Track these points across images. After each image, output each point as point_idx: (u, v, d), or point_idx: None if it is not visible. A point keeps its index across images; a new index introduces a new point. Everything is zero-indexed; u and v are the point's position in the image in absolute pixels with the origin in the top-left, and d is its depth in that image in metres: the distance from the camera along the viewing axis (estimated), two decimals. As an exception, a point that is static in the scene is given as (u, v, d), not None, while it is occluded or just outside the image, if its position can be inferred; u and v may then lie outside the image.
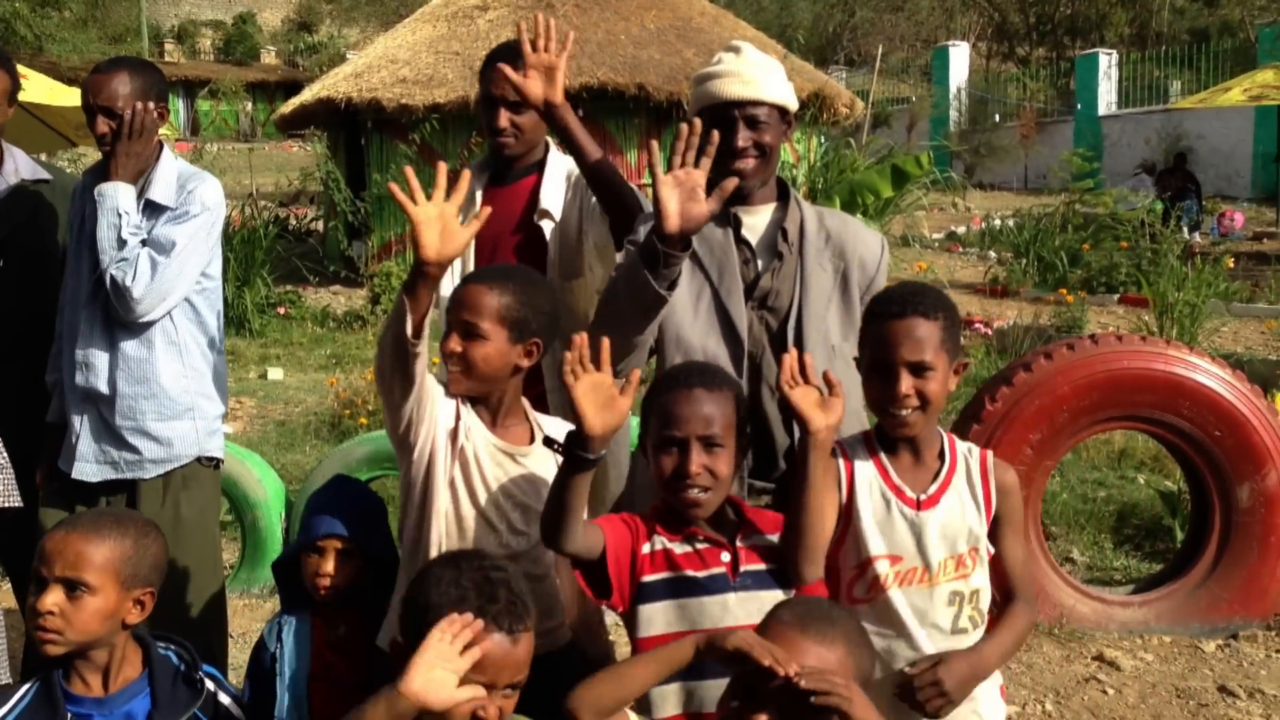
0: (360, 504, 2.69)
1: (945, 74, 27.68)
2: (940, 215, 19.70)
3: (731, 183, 2.52)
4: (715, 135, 2.55)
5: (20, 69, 7.61)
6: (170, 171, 3.34)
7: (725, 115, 2.76)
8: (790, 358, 2.31)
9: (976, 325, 10.16)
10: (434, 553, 2.45)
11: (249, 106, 37.47)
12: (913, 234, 16.20)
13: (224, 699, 2.31)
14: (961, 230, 17.90)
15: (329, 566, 2.57)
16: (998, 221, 16.93)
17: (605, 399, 2.14)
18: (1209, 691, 4.24)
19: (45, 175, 3.58)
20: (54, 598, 2.11)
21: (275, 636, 2.62)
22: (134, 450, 3.30)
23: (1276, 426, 4.66)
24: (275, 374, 9.77)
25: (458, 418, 2.48)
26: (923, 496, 2.35)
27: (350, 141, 13.88)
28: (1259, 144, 22.18)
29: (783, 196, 2.89)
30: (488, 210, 2.40)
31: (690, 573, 2.25)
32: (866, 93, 20.32)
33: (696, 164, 2.48)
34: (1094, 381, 4.63)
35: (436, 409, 2.45)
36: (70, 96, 7.65)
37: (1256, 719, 4.03)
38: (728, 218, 2.82)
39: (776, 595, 2.23)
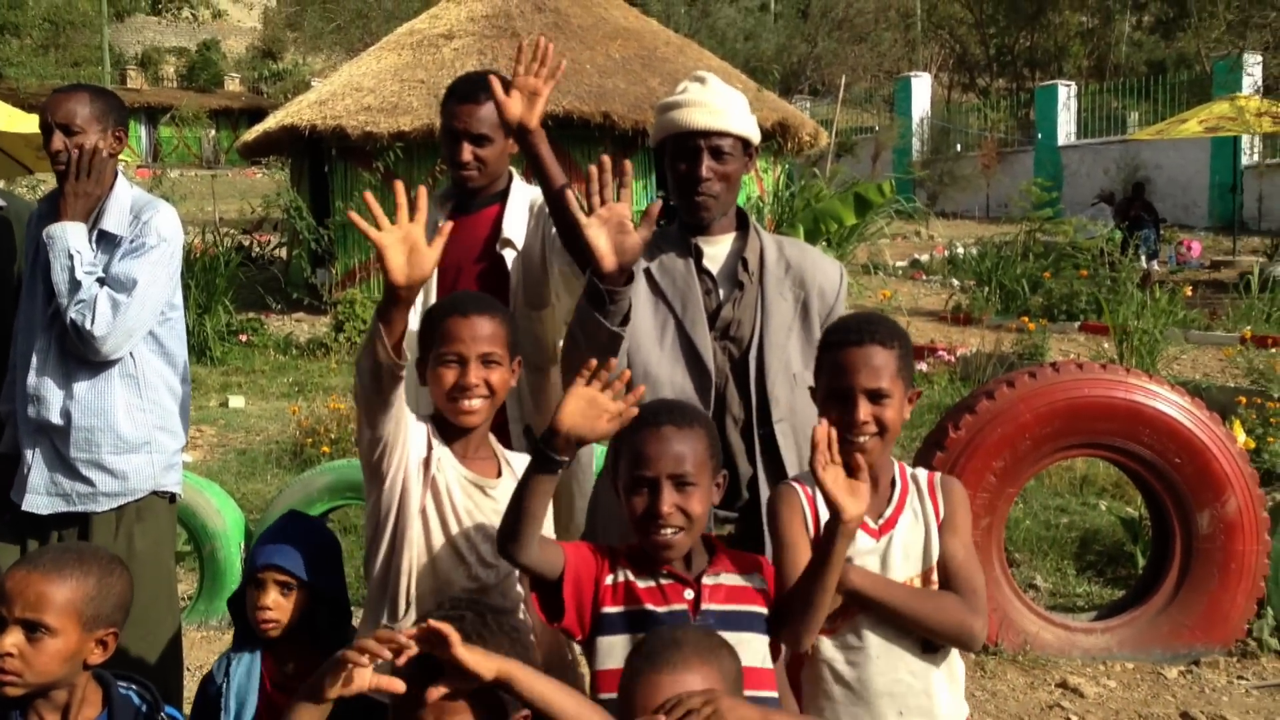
0: (310, 539, 2.64)
1: (908, 104, 28.01)
2: (904, 243, 19.87)
3: (655, 207, 2.52)
4: (627, 165, 2.57)
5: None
6: (124, 200, 3.29)
7: (689, 145, 2.77)
8: (823, 431, 2.19)
9: (940, 353, 10.22)
10: (404, 582, 2.43)
11: (212, 133, 37.28)
12: (877, 262, 16.33)
13: None
14: (925, 258, 18.05)
15: (269, 599, 2.52)
16: (960, 250, 17.09)
17: (588, 404, 2.13)
18: (1172, 718, 4.25)
19: (0, 202, 3.53)
20: (13, 639, 2.05)
21: (223, 671, 2.57)
22: (88, 483, 3.24)
23: (1235, 454, 4.71)
24: (237, 402, 9.67)
25: (429, 448, 2.47)
26: (880, 522, 2.38)
27: (314, 168, 13.82)
28: (1215, 174, 22.57)
29: (742, 226, 2.90)
30: (449, 226, 2.39)
31: (650, 607, 2.22)
32: (830, 122, 20.50)
33: (618, 197, 2.49)
34: (1056, 409, 4.66)
35: (410, 437, 2.43)
36: (28, 123, 7.56)
37: (1219, 746, 4.05)
38: (689, 248, 2.83)
39: (739, 637, 2.18)
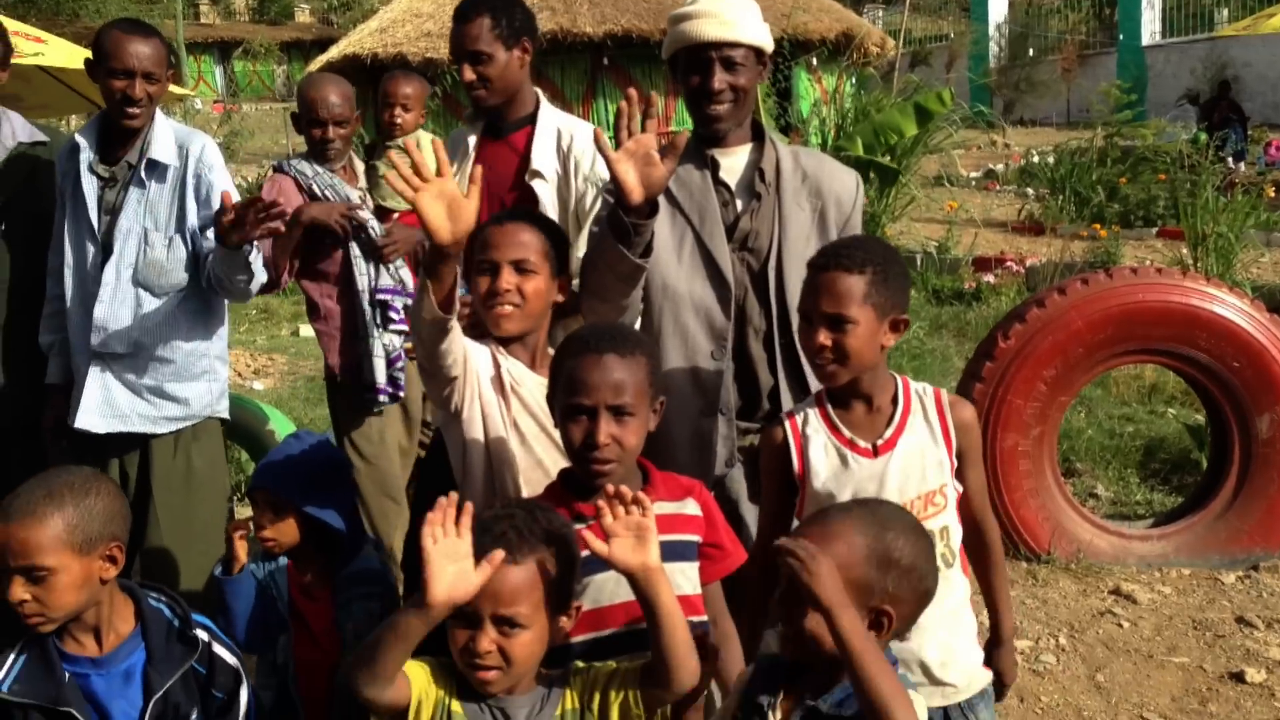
0: (307, 459, 2.72)
1: (984, 9, 27.10)
2: (979, 153, 19.40)
3: (682, 138, 2.50)
4: (654, 97, 2.54)
5: (40, 34, 7.69)
6: (166, 131, 3.42)
7: (701, 56, 2.74)
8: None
9: (1008, 263, 10.03)
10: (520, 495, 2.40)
11: (284, 67, 37.53)
12: (949, 172, 15.97)
13: (219, 649, 2.33)
14: (1000, 168, 17.63)
15: (264, 520, 2.62)
16: (1036, 158, 16.65)
17: None
18: (1226, 623, 4.21)
19: (42, 137, 3.64)
20: (20, 589, 2.10)
21: (262, 570, 2.70)
22: (152, 406, 3.41)
23: (1297, 356, 4.58)
24: (307, 331, 9.86)
25: (496, 365, 2.48)
26: (879, 442, 2.35)
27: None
28: (1308, 70, 21.61)
29: (758, 137, 2.86)
30: (479, 171, 2.34)
31: (582, 553, 2.10)
32: (905, 31, 19.97)
33: (643, 129, 2.45)
34: (1109, 315, 4.57)
35: (475, 363, 2.44)
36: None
37: (1274, 648, 4.00)
38: (705, 160, 2.81)
39: (672, 566, 2.09)
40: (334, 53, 14.05)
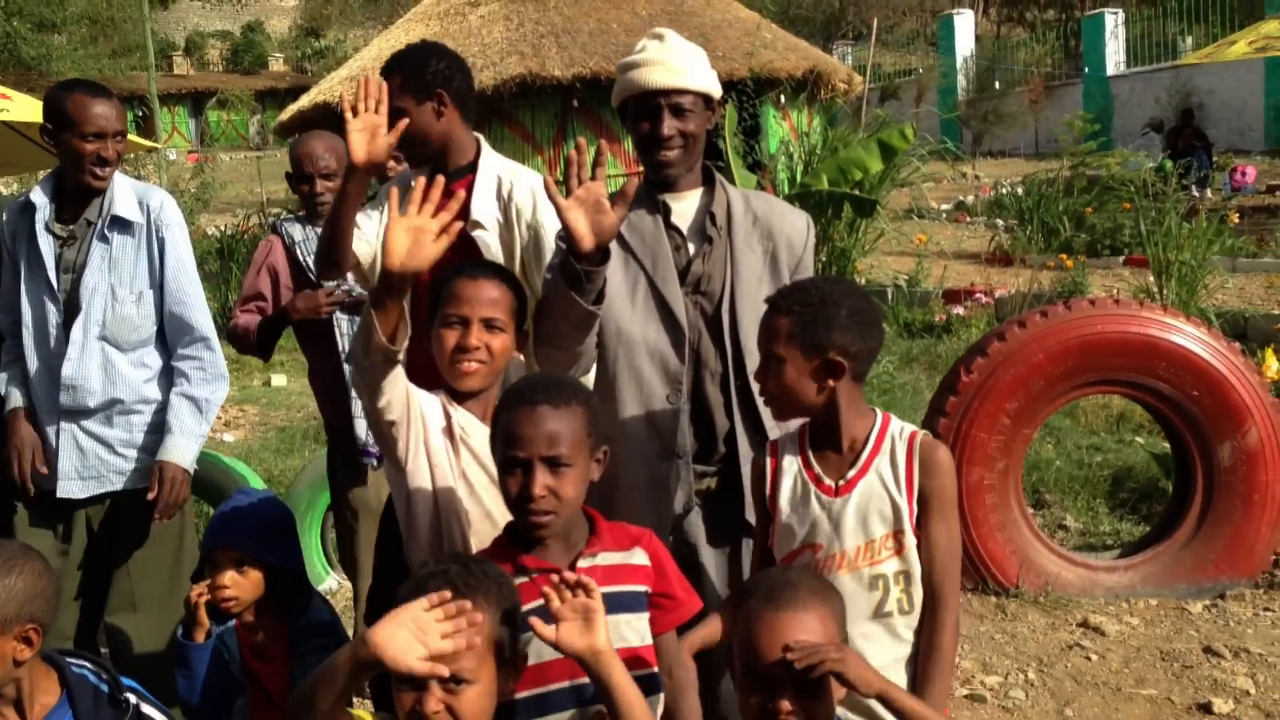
0: (260, 514, 2.72)
1: (951, 43, 27.47)
2: (949, 185, 19.58)
3: (631, 185, 2.53)
4: (604, 145, 2.58)
5: (5, 90, 7.68)
6: (126, 188, 3.47)
7: (650, 104, 2.77)
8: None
9: (977, 295, 10.11)
10: (472, 550, 2.39)
11: (259, 115, 37.64)
12: (921, 205, 16.09)
13: (147, 710, 2.29)
14: (970, 200, 17.78)
15: (225, 578, 2.61)
16: (1006, 189, 16.81)
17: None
18: (1194, 653, 4.22)
19: None
20: None
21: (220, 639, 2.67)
22: (125, 460, 3.42)
23: (1255, 383, 4.64)
24: (279, 381, 9.84)
25: (447, 415, 2.48)
26: (841, 482, 2.36)
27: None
28: (1270, 95, 21.88)
29: (708, 181, 2.90)
30: (457, 226, 2.36)
31: (525, 606, 2.12)
32: (873, 66, 20.19)
33: (593, 177, 2.48)
34: (1068, 347, 4.61)
35: (424, 412, 2.44)
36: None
37: (1240, 678, 4.01)
38: (657, 205, 2.84)
39: (616, 619, 2.11)
40: (304, 101, 14.13)
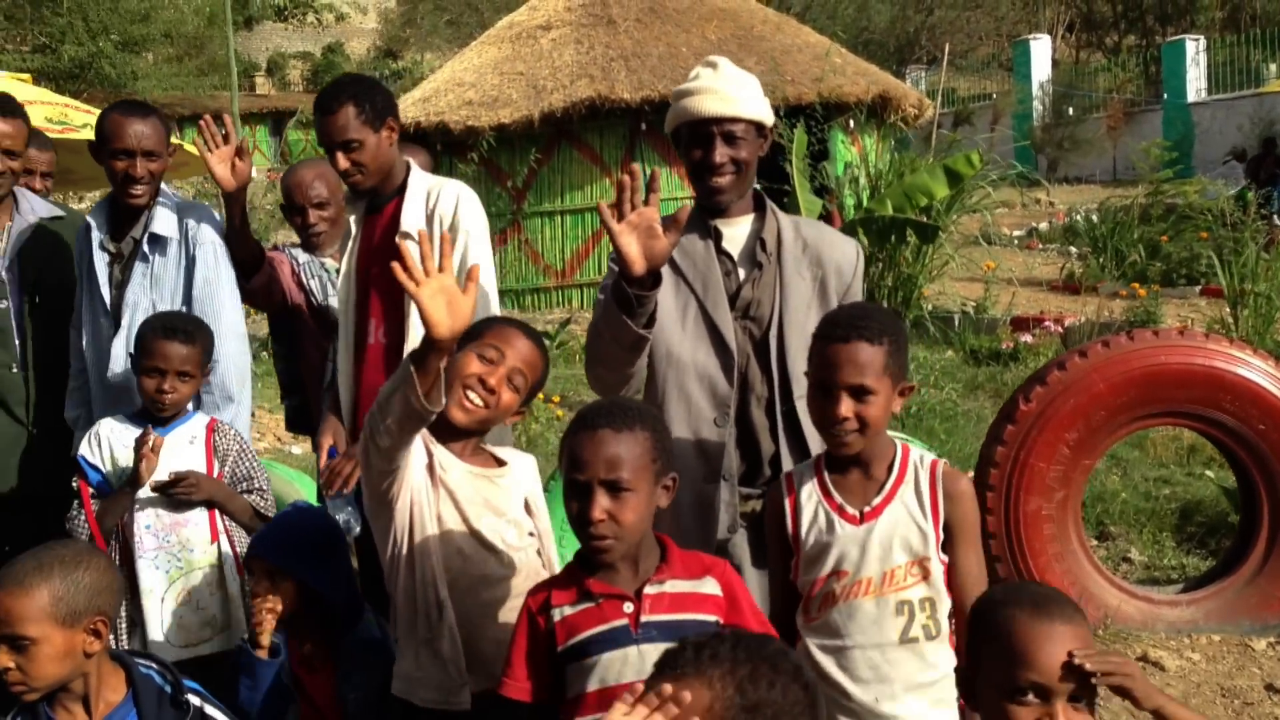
0: (304, 530, 2.77)
1: (1027, 68, 27.19)
2: (1023, 212, 19.37)
3: (684, 211, 2.57)
4: (657, 173, 2.62)
5: (91, 108, 7.94)
6: (169, 206, 3.57)
7: (703, 131, 2.82)
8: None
9: (1046, 323, 9.98)
10: (436, 588, 2.47)
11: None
12: (993, 232, 15.94)
13: (211, 711, 2.36)
14: (1043, 226, 17.58)
15: (260, 588, 2.67)
16: (1081, 216, 16.60)
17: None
18: (1255, 690, 4.14)
19: (59, 213, 3.82)
20: (4, 657, 2.15)
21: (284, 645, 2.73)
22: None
23: (1324, 418, 4.53)
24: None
25: (429, 452, 2.54)
26: (866, 509, 2.38)
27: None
28: (1355, 124, 21.38)
29: (759, 208, 2.93)
30: (476, 269, 2.38)
31: (588, 632, 2.17)
32: (945, 91, 20.05)
33: (646, 202, 2.52)
34: (1131, 378, 4.55)
35: (413, 453, 2.48)
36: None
37: (1303, 718, 3.93)
38: (708, 230, 2.87)
39: None
40: (379, 122, 14.37)
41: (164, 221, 3.52)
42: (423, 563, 2.49)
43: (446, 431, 2.56)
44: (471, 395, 2.54)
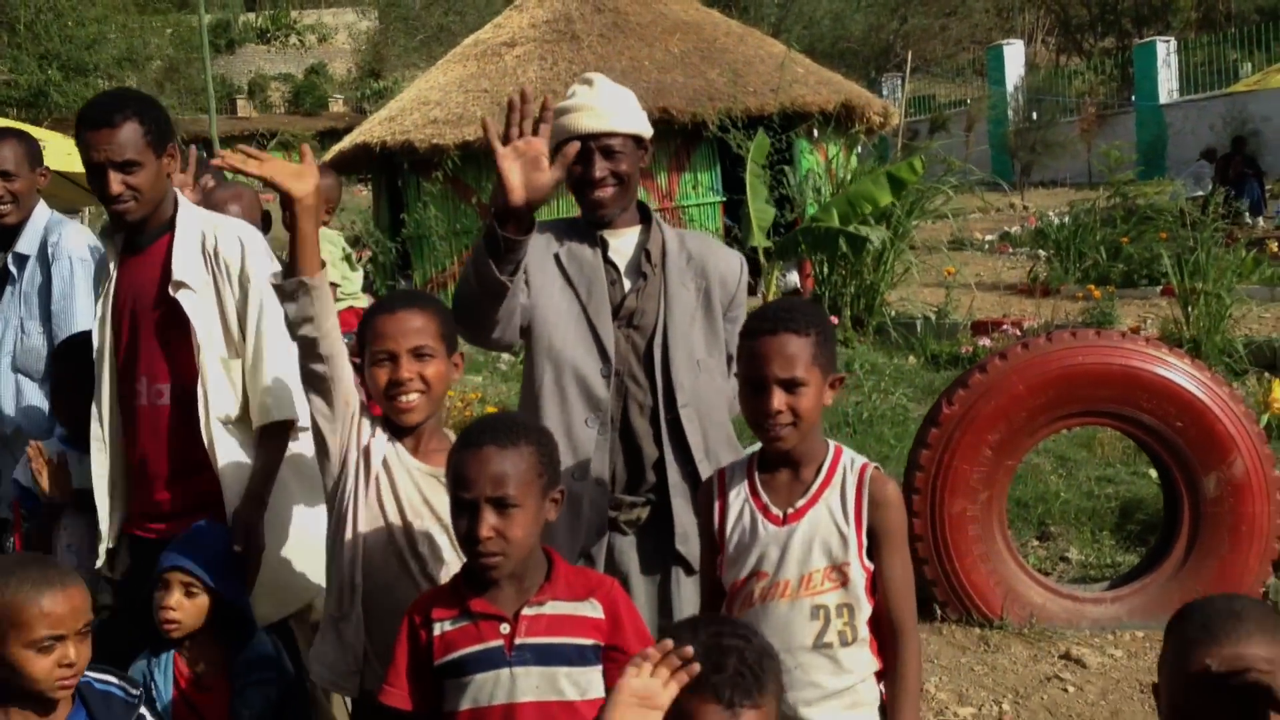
0: (218, 545, 2.80)
1: (1001, 73, 27.35)
2: (997, 215, 19.47)
3: (573, 147, 2.61)
4: (548, 99, 2.60)
5: (44, 134, 8.01)
6: (38, 224, 3.63)
7: (582, 148, 2.87)
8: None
9: (1005, 326, 10.05)
10: (348, 573, 2.49)
11: (321, 155, 38.40)
12: (964, 237, 16.03)
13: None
14: (1016, 230, 17.67)
15: (172, 600, 2.68)
16: (1053, 219, 16.68)
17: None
18: (1173, 686, 4.18)
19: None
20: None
21: (147, 671, 2.75)
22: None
23: (1240, 414, 4.60)
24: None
25: (372, 435, 2.56)
26: (790, 511, 2.36)
27: (391, 183, 14.23)
28: (1326, 122, 21.52)
29: (645, 219, 2.99)
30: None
31: (463, 651, 2.18)
32: (923, 98, 20.18)
33: (535, 132, 2.50)
34: (1049, 379, 4.62)
35: (358, 421, 2.52)
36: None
37: (1218, 711, 3.97)
38: (595, 239, 2.93)
39: (554, 671, 2.15)
40: (346, 142, 14.48)
41: (27, 239, 3.60)
42: (352, 543, 2.51)
43: (404, 429, 2.58)
44: (399, 400, 2.53)
